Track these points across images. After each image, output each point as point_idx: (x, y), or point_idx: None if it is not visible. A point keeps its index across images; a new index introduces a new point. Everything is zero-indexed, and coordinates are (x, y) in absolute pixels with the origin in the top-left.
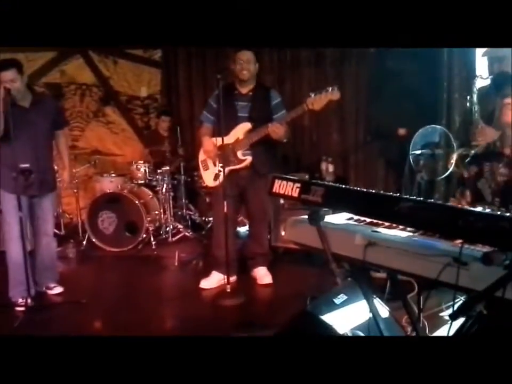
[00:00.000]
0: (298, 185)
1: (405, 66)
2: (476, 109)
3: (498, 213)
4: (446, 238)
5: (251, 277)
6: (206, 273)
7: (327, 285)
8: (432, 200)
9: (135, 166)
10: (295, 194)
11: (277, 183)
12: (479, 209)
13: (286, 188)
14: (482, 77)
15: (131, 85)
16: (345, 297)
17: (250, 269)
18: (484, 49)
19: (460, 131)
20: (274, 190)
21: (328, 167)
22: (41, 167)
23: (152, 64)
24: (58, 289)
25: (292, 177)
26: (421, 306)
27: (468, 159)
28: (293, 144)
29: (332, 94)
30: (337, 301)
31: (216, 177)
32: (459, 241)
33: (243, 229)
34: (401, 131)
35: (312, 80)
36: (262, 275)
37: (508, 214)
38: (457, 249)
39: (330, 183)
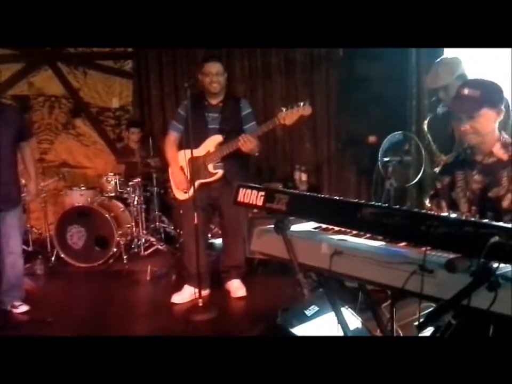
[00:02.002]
0: (263, 193)
1: (374, 73)
2: (430, 140)
3: (463, 217)
4: (412, 245)
5: (225, 290)
6: (178, 288)
7: (302, 296)
8: (395, 206)
9: (105, 179)
10: (260, 203)
11: (242, 191)
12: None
13: (251, 196)
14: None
15: (102, 96)
16: (316, 308)
17: (224, 282)
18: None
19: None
20: (239, 199)
21: (301, 176)
22: (4, 180)
23: (123, 75)
24: (24, 308)
25: (256, 185)
26: (393, 316)
27: (439, 169)
28: (265, 154)
29: (304, 109)
30: (308, 312)
31: (187, 190)
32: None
33: (218, 241)
34: (372, 138)
35: (283, 88)
36: (236, 288)
37: (472, 219)
38: (423, 256)
39: (294, 191)
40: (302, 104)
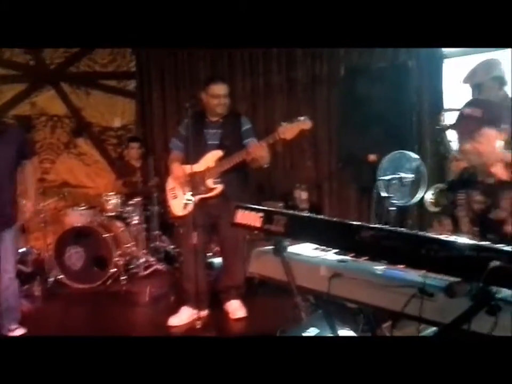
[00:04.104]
0: (261, 214)
1: (375, 92)
2: (447, 145)
3: (463, 240)
4: (411, 267)
5: (224, 310)
6: (176, 309)
7: (300, 319)
8: (395, 228)
9: (105, 198)
10: (258, 224)
11: (240, 213)
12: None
13: (249, 217)
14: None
15: (104, 116)
16: (316, 330)
17: (223, 303)
18: (453, 76)
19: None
20: (237, 221)
21: (301, 195)
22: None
23: (126, 95)
24: (20, 331)
25: (254, 206)
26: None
27: (445, 186)
28: (267, 171)
29: (304, 123)
30: (306, 334)
31: (185, 206)
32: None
33: (218, 260)
34: (372, 157)
35: (285, 106)
36: (235, 309)
37: (472, 242)
38: (424, 280)
39: (293, 212)
40: (302, 118)
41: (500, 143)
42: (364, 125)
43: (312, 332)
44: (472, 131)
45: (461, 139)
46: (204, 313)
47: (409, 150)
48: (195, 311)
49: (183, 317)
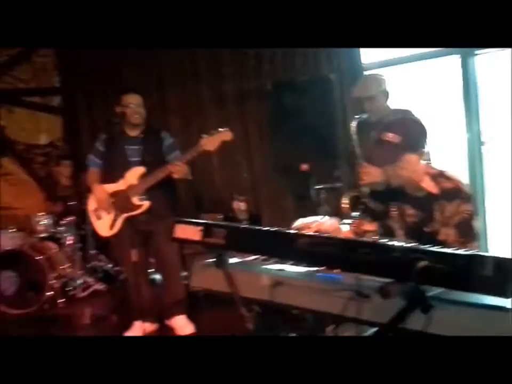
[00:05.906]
0: (200, 228)
1: (301, 104)
2: (356, 146)
3: (392, 243)
4: (346, 271)
5: (169, 328)
6: (127, 326)
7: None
8: (328, 235)
9: (35, 219)
10: (198, 237)
11: (178, 227)
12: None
13: (188, 231)
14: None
15: (29, 133)
16: None
17: (167, 319)
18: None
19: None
20: (176, 235)
21: (240, 206)
22: None
23: (50, 111)
24: None
25: (193, 220)
26: None
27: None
28: (204, 184)
29: (224, 134)
30: None
31: (112, 226)
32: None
33: (159, 276)
34: (304, 166)
35: (216, 121)
36: (182, 325)
37: (400, 244)
38: (360, 282)
39: (232, 224)
40: (222, 130)
41: (421, 163)
42: (294, 136)
43: None
44: (393, 156)
45: (381, 162)
46: (155, 326)
47: (338, 159)
48: (147, 324)
49: (137, 332)
